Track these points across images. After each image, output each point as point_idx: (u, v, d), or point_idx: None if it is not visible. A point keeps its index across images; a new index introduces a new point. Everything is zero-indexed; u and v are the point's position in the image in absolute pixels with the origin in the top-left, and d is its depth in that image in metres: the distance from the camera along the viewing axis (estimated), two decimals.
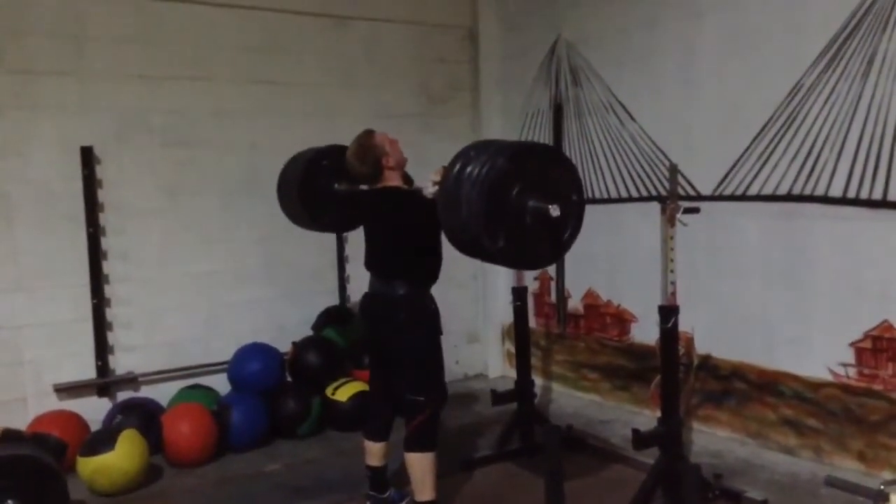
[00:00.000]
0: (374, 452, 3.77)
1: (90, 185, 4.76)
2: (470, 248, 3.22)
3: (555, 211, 3.02)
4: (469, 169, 3.08)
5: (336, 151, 4.08)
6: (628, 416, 5.13)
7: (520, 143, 3.39)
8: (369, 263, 3.72)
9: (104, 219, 4.84)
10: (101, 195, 4.83)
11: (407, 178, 3.75)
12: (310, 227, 4.43)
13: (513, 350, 5.10)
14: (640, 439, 3.65)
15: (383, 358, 3.75)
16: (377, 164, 3.57)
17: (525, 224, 3.06)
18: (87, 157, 4.74)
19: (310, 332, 5.48)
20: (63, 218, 4.72)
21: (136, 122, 4.94)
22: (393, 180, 3.62)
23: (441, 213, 3.22)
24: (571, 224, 3.21)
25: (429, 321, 3.58)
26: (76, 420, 4.52)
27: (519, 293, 4.71)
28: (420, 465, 3.48)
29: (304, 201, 4.21)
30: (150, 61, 4.96)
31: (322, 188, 4.15)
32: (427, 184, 3.47)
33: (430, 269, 3.64)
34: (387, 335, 3.62)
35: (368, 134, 3.62)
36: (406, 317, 3.53)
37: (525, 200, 3.05)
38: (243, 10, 5.27)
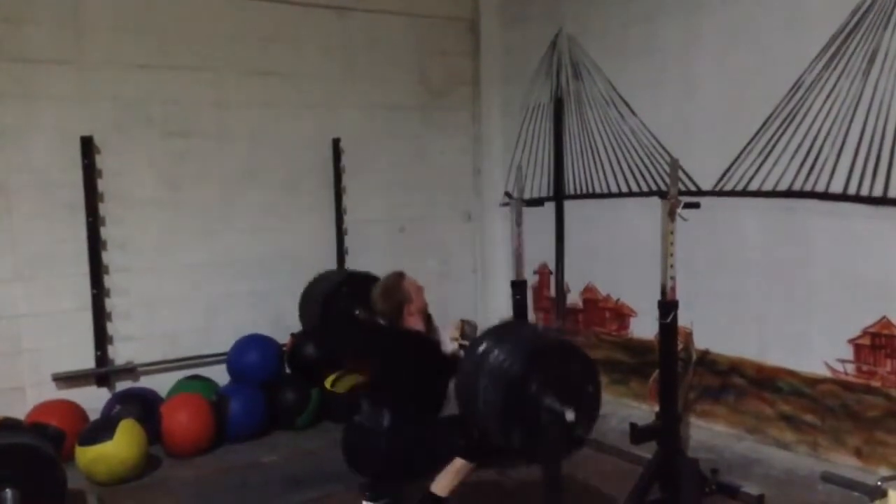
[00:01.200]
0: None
1: (90, 174, 4.76)
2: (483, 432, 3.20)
3: (570, 415, 2.96)
4: (489, 360, 3.05)
5: (356, 278, 4.35)
6: (626, 410, 5.13)
7: (539, 340, 3.35)
8: (367, 393, 3.73)
9: (104, 209, 4.84)
10: (101, 185, 4.83)
11: (428, 320, 3.75)
12: (331, 354, 4.55)
13: None
14: (638, 434, 3.66)
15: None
16: (399, 308, 3.60)
17: (539, 423, 2.99)
18: (87, 147, 4.74)
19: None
20: (62, 207, 4.72)
21: (137, 111, 4.94)
22: (413, 324, 3.64)
23: (457, 398, 3.21)
24: (585, 418, 3.15)
25: (413, 450, 3.51)
26: (75, 409, 4.53)
27: (518, 287, 4.71)
28: (455, 465, 3.38)
29: (326, 326, 4.26)
30: (150, 50, 4.96)
31: (342, 313, 4.16)
32: (445, 339, 3.54)
33: (423, 415, 3.56)
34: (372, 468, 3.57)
35: (398, 276, 3.67)
36: (388, 447, 3.47)
37: (541, 399, 2.98)
38: (243, 0, 5.26)
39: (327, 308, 4.27)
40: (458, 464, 3.39)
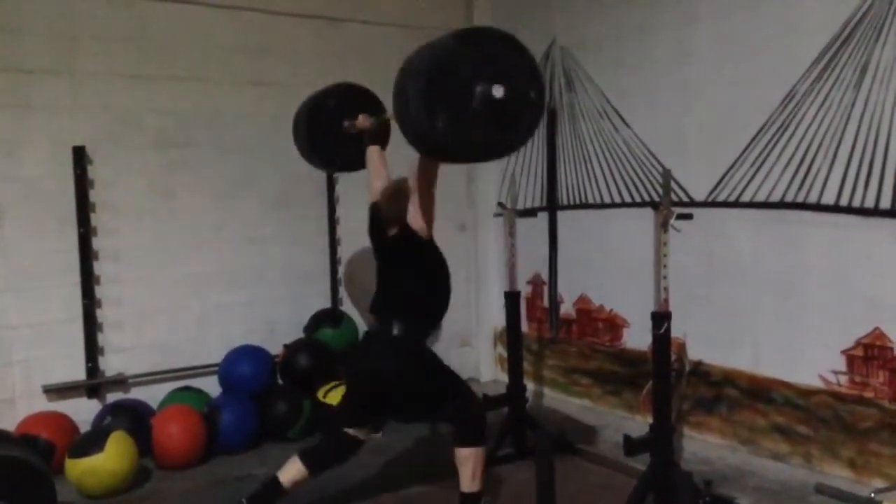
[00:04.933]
0: (293, 471, 3.67)
1: (82, 185, 4.74)
2: (413, 131, 3.10)
3: (497, 91, 2.89)
4: (424, 50, 3.04)
5: (342, 89, 4.29)
6: (619, 421, 5.13)
7: (479, 28, 3.28)
8: (373, 306, 3.74)
9: (96, 219, 4.82)
10: (93, 195, 4.81)
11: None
12: (322, 167, 4.55)
13: (505, 354, 5.09)
14: (632, 445, 3.65)
15: (382, 396, 3.67)
16: (402, 210, 3.58)
17: (470, 107, 2.93)
18: (80, 157, 4.73)
19: (302, 335, 5.46)
20: (54, 218, 4.70)
21: (129, 122, 4.93)
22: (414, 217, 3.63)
23: (393, 102, 3.17)
24: (526, 121, 3.09)
25: (423, 356, 3.65)
26: (65, 421, 4.50)
27: (512, 298, 4.70)
28: (472, 461, 3.54)
29: (312, 140, 4.28)
30: (143, 61, 4.95)
31: (329, 126, 4.18)
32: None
33: (429, 311, 3.68)
34: (383, 374, 3.59)
35: (406, 180, 3.65)
36: (401, 358, 3.56)
37: (473, 84, 2.92)
38: (237, 10, 5.26)
39: (313, 122, 4.24)
40: (476, 455, 3.53)
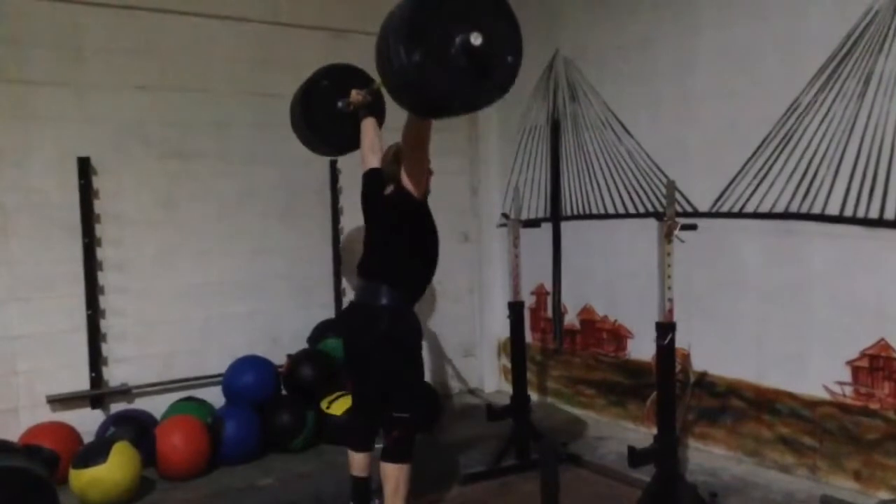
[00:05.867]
0: (358, 462, 3.77)
1: (87, 195, 4.75)
2: (388, 65, 3.05)
3: (476, 39, 2.93)
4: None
5: (334, 70, 4.28)
6: (624, 432, 5.11)
7: None
8: (361, 266, 3.75)
9: (100, 229, 4.83)
10: (98, 206, 4.82)
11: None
12: (325, 152, 4.55)
13: (508, 365, 5.09)
14: (636, 457, 3.64)
15: (365, 369, 3.70)
16: (398, 170, 3.60)
17: (448, 51, 2.95)
18: (85, 168, 4.74)
19: (305, 345, 5.46)
20: (59, 228, 4.71)
21: (134, 133, 4.94)
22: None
23: (376, 42, 3.13)
24: (499, 80, 3.11)
25: (410, 334, 3.63)
26: (69, 432, 4.49)
27: (515, 308, 4.70)
28: (395, 477, 3.51)
29: (308, 122, 4.28)
30: (148, 73, 4.97)
31: (324, 107, 4.20)
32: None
33: (418, 278, 3.67)
34: (368, 346, 3.61)
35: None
36: (388, 328, 3.53)
37: (453, 27, 2.95)
38: (242, 22, 5.29)
39: (307, 104, 4.26)
40: (397, 472, 3.51)
